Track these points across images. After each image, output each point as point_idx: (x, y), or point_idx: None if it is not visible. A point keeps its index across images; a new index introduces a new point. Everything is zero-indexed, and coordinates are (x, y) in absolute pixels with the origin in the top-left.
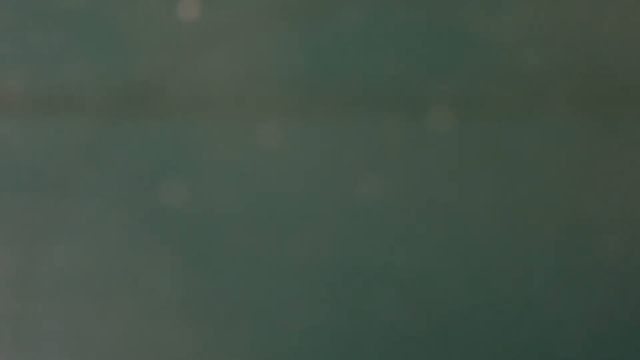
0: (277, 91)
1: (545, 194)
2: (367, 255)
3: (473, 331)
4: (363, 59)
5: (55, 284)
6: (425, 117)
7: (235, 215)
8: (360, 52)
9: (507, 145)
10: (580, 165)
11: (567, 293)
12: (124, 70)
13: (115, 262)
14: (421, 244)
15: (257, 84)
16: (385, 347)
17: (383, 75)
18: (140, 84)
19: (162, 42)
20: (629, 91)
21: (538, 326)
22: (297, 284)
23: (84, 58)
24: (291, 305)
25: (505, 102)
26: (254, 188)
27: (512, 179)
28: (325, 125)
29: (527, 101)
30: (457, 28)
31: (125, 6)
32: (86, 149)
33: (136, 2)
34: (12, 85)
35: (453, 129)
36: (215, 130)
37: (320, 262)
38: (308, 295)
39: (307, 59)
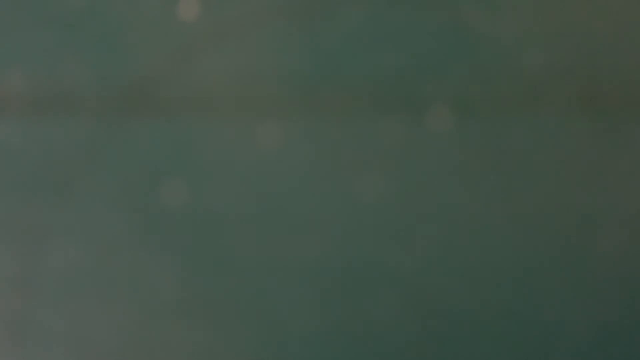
0: (277, 91)
1: (545, 193)
2: (366, 255)
3: (473, 331)
4: (363, 59)
5: (56, 284)
6: (425, 117)
7: (235, 215)
8: (361, 52)
9: (507, 145)
10: (581, 165)
11: (567, 293)
12: (124, 70)
13: (115, 262)
14: (421, 243)
15: (257, 84)
16: (386, 346)
17: (383, 75)
18: (140, 84)
19: (162, 42)
20: (629, 91)
21: (538, 326)
22: (297, 283)
23: (84, 58)
24: (291, 304)
25: (505, 102)
26: (254, 188)
27: (512, 179)
28: (325, 125)
29: (527, 101)
30: (457, 28)
31: (125, 6)
32: (86, 149)
33: (136, 2)
34: (11, 85)
35: (453, 129)
36: (215, 130)
37: (320, 262)
38: (308, 295)
39: (307, 59)
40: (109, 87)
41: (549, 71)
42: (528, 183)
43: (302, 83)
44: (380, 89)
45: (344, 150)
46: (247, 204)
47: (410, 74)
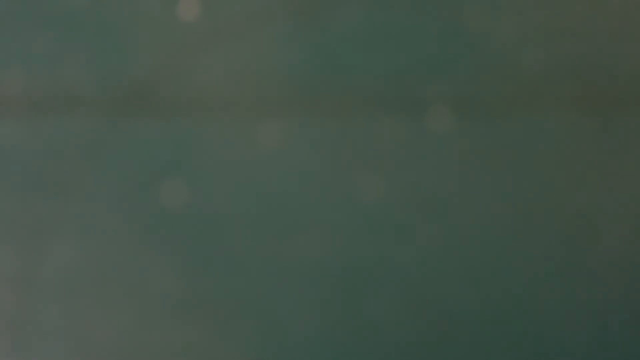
0: (277, 91)
1: (545, 193)
2: (366, 255)
3: (473, 331)
4: (363, 59)
5: (56, 284)
6: (425, 117)
7: (235, 215)
8: (361, 52)
9: (507, 145)
10: (580, 165)
11: (567, 292)
12: (124, 70)
13: (115, 262)
14: (421, 243)
15: (257, 84)
16: (386, 347)
17: (383, 75)
18: (140, 84)
19: (162, 42)
20: (629, 91)
21: (539, 326)
22: (297, 283)
23: (84, 58)
24: (291, 305)
25: (505, 102)
26: (254, 188)
27: (512, 179)
28: (325, 125)
29: (527, 101)
30: (457, 28)
31: (125, 6)
32: (86, 149)
33: (136, 2)
34: (12, 85)
35: (453, 129)
36: (215, 130)
37: (320, 262)
38: (308, 295)
39: (307, 59)
40: (109, 87)
41: (549, 71)
42: (528, 183)
43: (302, 83)
44: (380, 89)
45: (344, 150)
46: (247, 204)
47: (410, 74)
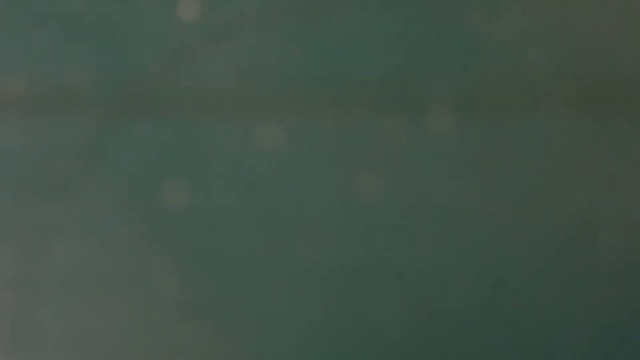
0: (277, 91)
1: (545, 194)
2: (366, 255)
3: (474, 331)
4: (363, 59)
5: (56, 284)
6: (425, 117)
7: (235, 215)
8: (361, 52)
9: (507, 145)
10: (580, 165)
11: (567, 293)
12: (123, 70)
13: (115, 262)
14: (421, 243)
15: (257, 84)
16: (386, 347)
17: (383, 75)
18: (140, 84)
19: (162, 42)
20: (629, 91)
21: (539, 326)
22: (297, 283)
23: (84, 58)
24: (291, 305)
25: (505, 102)
26: (254, 188)
27: (511, 179)
28: (325, 125)
29: (527, 101)
30: (457, 28)
31: (125, 6)
32: (86, 149)
33: (136, 2)
34: (12, 85)
35: (453, 129)
36: (215, 130)
37: (321, 262)
38: (308, 295)
39: (307, 59)
40: (109, 87)
41: (549, 71)
42: (528, 183)
43: (302, 83)
44: (380, 89)
45: (344, 150)
46: (247, 204)
47: (410, 74)
